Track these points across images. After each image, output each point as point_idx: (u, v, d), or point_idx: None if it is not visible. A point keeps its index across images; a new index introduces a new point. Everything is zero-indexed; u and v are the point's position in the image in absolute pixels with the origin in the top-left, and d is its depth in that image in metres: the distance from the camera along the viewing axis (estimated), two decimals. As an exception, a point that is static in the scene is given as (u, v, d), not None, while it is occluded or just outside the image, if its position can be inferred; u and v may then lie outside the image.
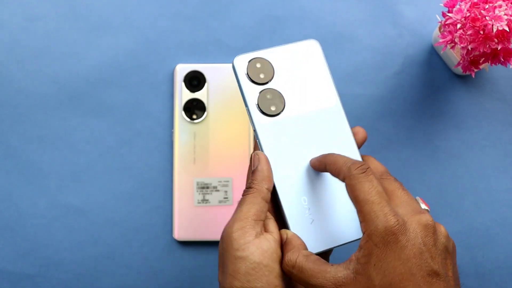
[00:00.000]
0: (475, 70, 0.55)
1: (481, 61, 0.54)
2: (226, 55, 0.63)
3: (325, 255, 0.48)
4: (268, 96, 0.49)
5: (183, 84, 0.62)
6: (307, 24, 0.64)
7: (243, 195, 0.46)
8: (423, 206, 0.45)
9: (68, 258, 0.61)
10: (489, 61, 0.54)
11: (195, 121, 0.62)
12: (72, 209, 0.62)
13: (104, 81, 0.63)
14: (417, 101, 0.64)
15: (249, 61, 0.49)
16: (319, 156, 0.47)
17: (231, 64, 0.63)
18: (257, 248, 0.42)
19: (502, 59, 0.53)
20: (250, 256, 0.42)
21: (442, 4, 0.55)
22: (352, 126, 0.50)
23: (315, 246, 0.46)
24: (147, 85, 0.63)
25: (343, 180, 0.42)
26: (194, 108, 0.62)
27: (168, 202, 0.62)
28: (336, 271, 0.40)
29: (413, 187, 0.63)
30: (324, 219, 0.47)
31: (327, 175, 0.48)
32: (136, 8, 0.63)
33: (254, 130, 0.48)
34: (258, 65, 0.49)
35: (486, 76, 0.64)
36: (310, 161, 0.47)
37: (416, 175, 0.63)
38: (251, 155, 0.47)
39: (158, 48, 0.63)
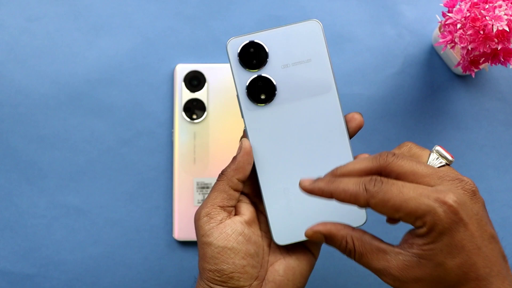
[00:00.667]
0: (475, 70, 0.55)
1: (481, 61, 0.54)
2: (226, 55, 0.63)
3: (316, 246, 0.49)
4: (259, 83, 0.47)
5: (183, 84, 0.62)
6: (307, 24, 0.64)
7: (217, 180, 0.47)
8: (448, 156, 0.44)
9: (68, 258, 0.61)
10: (489, 61, 0.54)
11: (195, 121, 0.62)
12: (72, 209, 0.62)
13: (104, 81, 0.63)
14: (417, 101, 0.64)
15: (243, 45, 0.47)
16: (321, 185, 0.43)
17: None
18: (220, 233, 0.45)
19: (502, 59, 0.53)
20: (214, 241, 0.44)
21: (442, 4, 0.55)
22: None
23: (291, 236, 0.47)
24: (147, 85, 0.63)
25: (366, 204, 0.40)
26: (194, 108, 0.62)
27: (168, 202, 0.62)
28: (397, 254, 0.40)
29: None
30: (303, 210, 0.47)
31: (311, 166, 0.47)
32: (136, 8, 0.63)
33: (242, 117, 0.47)
34: (252, 50, 0.47)
35: (486, 76, 0.64)
36: (303, 186, 0.43)
37: (416, 175, 0.63)
38: (240, 140, 0.48)
39: (158, 48, 0.63)
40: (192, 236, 0.61)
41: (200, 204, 0.61)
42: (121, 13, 0.63)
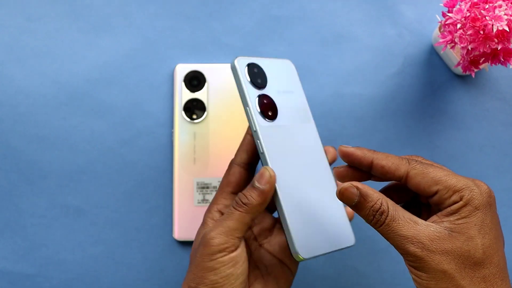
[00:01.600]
0: (475, 70, 0.55)
1: (481, 61, 0.54)
2: (226, 55, 0.63)
3: (293, 262, 0.49)
4: (265, 101, 0.49)
5: (183, 84, 0.62)
6: (307, 24, 0.64)
7: (237, 206, 0.46)
8: None
9: (68, 258, 0.61)
10: (489, 61, 0.54)
11: (195, 121, 0.62)
12: (72, 209, 0.62)
13: (104, 81, 0.63)
14: (417, 101, 0.64)
15: (248, 64, 0.49)
16: (360, 151, 0.45)
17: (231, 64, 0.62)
18: (231, 261, 0.45)
19: (502, 59, 0.53)
20: (222, 268, 0.45)
21: (442, 4, 0.55)
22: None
23: (307, 251, 0.46)
24: (147, 85, 0.63)
25: (405, 173, 0.43)
26: (194, 108, 0.62)
27: (168, 202, 0.62)
28: (428, 225, 0.41)
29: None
30: (318, 225, 0.48)
31: (314, 182, 0.48)
32: (136, 8, 0.63)
33: (255, 131, 0.48)
34: (256, 70, 0.49)
35: (486, 76, 0.64)
36: (344, 149, 0.46)
37: (416, 175, 0.63)
38: (264, 168, 0.46)
39: (158, 48, 0.63)
40: (192, 236, 0.61)
41: (200, 204, 0.61)
42: (121, 13, 0.63)
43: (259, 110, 0.48)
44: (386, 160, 0.44)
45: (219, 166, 0.61)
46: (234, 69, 0.49)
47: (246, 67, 0.49)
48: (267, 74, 0.50)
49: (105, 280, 0.61)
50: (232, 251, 0.45)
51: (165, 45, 0.63)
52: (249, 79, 0.49)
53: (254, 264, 0.48)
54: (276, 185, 0.46)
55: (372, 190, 0.43)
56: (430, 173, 0.42)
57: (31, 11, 0.63)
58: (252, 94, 0.49)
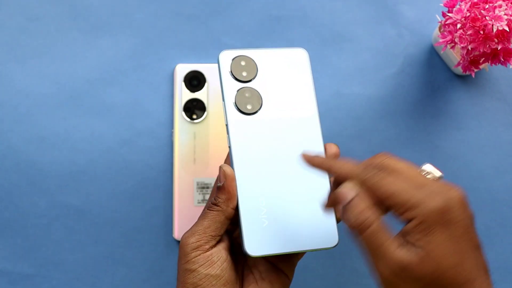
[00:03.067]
0: (475, 70, 0.55)
1: (481, 61, 0.54)
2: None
3: (290, 260, 0.49)
4: (247, 94, 0.49)
5: (183, 84, 0.62)
6: (307, 24, 0.64)
7: (208, 208, 0.47)
8: (438, 172, 0.45)
9: (68, 258, 0.61)
10: (489, 61, 0.54)
11: (195, 121, 0.62)
12: (72, 209, 0.62)
13: (104, 81, 0.63)
14: (417, 101, 0.64)
15: (234, 57, 0.49)
16: (320, 159, 0.45)
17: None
18: (206, 260, 0.45)
19: (502, 59, 0.53)
20: (198, 269, 0.45)
21: (442, 4, 0.55)
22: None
23: (262, 248, 0.46)
24: (147, 85, 0.63)
25: (359, 183, 0.41)
26: (194, 108, 0.62)
27: (168, 202, 0.62)
28: (401, 254, 0.39)
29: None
30: (279, 223, 0.47)
31: (291, 179, 0.48)
32: (136, 8, 0.63)
33: (226, 125, 0.48)
34: (243, 63, 0.49)
35: (486, 76, 0.64)
36: (305, 156, 0.45)
37: (416, 175, 0.63)
38: (219, 167, 0.48)
39: (158, 48, 0.63)
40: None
41: (200, 204, 0.61)
42: (121, 13, 0.63)
43: (235, 104, 0.48)
44: (341, 169, 0.42)
45: (219, 166, 0.61)
46: (218, 64, 0.49)
47: (232, 61, 0.49)
48: (260, 66, 0.49)
49: (105, 280, 0.61)
50: (207, 250, 0.45)
51: (165, 45, 0.63)
52: (231, 73, 0.49)
53: (249, 269, 0.48)
54: (237, 181, 0.47)
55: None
56: (383, 187, 0.40)
57: (31, 11, 0.63)
58: (231, 88, 0.49)
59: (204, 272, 0.45)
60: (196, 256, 0.45)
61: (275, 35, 0.64)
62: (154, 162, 0.62)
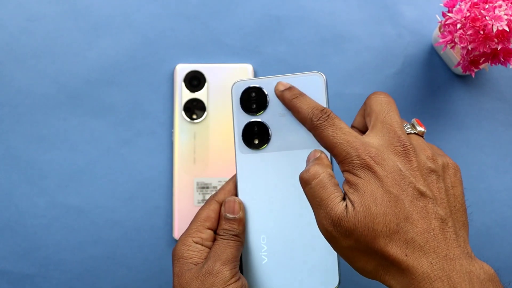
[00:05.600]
0: (475, 70, 0.55)
1: (481, 61, 0.54)
2: (226, 55, 0.63)
3: None
4: (255, 129, 0.48)
5: (183, 84, 0.62)
6: (307, 24, 0.64)
7: (227, 239, 0.47)
8: (419, 128, 0.46)
9: (68, 258, 0.61)
10: (489, 61, 0.54)
11: (195, 121, 0.62)
12: (72, 209, 0.62)
13: (104, 81, 0.63)
14: (417, 101, 0.64)
15: (245, 89, 0.48)
16: (287, 95, 0.47)
17: (231, 64, 0.62)
18: (242, 286, 0.46)
19: (502, 59, 0.53)
20: None
21: (442, 4, 0.55)
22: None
23: (261, 285, 0.47)
24: (147, 85, 0.63)
25: (309, 130, 0.45)
26: (194, 108, 0.62)
27: (168, 202, 0.62)
28: (339, 206, 0.41)
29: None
30: (279, 262, 0.47)
31: (294, 217, 0.48)
32: (136, 8, 0.63)
33: (235, 160, 0.48)
34: (253, 95, 0.48)
35: (486, 76, 0.64)
36: (277, 88, 0.48)
37: (416, 175, 0.63)
38: (232, 199, 0.48)
39: (158, 48, 0.63)
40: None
41: (200, 204, 0.61)
42: (121, 13, 0.63)
43: (242, 139, 0.48)
44: (297, 113, 0.46)
45: (219, 166, 0.61)
46: (231, 96, 0.49)
47: (241, 93, 0.48)
48: (271, 96, 0.48)
49: (105, 280, 0.61)
50: (238, 279, 0.46)
51: (165, 45, 0.63)
52: (241, 106, 0.48)
53: None
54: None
55: (322, 160, 0.45)
56: (323, 139, 0.43)
57: (31, 11, 0.63)
58: (240, 122, 0.48)
59: None
60: (232, 283, 0.45)
61: (275, 35, 0.64)
62: (154, 162, 0.62)
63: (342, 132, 0.42)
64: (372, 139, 0.43)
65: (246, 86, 0.48)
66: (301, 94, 0.47)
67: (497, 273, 0.44)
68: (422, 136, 0.46)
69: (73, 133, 0.62)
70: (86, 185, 0.62)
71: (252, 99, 0.48)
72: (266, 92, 0.48)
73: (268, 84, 0.48)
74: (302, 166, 0.45)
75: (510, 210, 0.63)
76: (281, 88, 0.48)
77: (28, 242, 0.61)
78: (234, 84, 0.48)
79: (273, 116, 0.48)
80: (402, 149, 0.41)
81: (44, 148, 0.62)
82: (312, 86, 0.48)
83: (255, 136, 0.48)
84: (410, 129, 0.46)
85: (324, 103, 0.48)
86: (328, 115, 0.44)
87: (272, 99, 0.48)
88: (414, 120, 0.47)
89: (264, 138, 0.48)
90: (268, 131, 0.48)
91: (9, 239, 0.61)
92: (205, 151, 0.62)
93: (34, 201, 0.62)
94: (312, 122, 0.44)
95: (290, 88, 0.47)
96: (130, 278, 0.61)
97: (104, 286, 0.61)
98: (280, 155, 0.48)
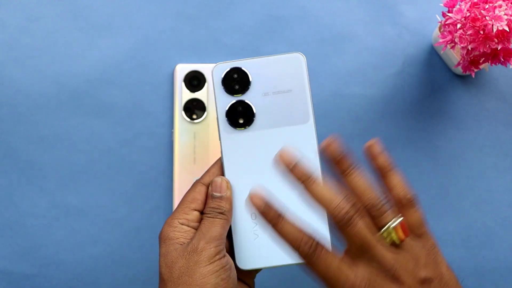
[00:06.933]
0: (475, 70, 0.55)
1: (481, 61, 0.54)
2: (226, 55, 0.63)
3: (250, 277, 0.50)
4: (239, 108, 0.48)
5: (183, 84, 0.62)
6: (307, 24, 0.64)
7: (213, 217, 0.47)
8: (396, 237, 0.44)
9: (68, 258, 0.61)
10: (489, 61, 0.54)
11: (195, 121, 0.62)
12: (72, 209, 0.62)
13: (104, 81, 0.63)
14: (417, 101, 0.64)
15: (227, 70, 0.49)
16: (269, 216, 0.44)
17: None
18: (223, 266, 0.46)
19: (502, 59, 0.53)
20: (220, 271, 0.45)
21: (442, 4, 0.55)
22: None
23: (252, 262, 0.47)
24: (147, 85, 0.63)
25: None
26: (194, 108, 0.62)
27: (168, 202, 0.62)
28: None
29: (413, 187, 0.62)
30: (268, 237, 0.47)
31: (282, 194, 0.47)
32: (136, 8, 0.63)
33: (219, 140, 0.49)
34: (235, 76, 0.49)
35: (486, 76, 0.64)
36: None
37: (416, 175, 0.63)
38: (218, 178, 0.48)
39: (158, 48, 0.63)
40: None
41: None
42: (121, 13, 0.63)
43: (227, 119, 0.48)
44: (285, 240, 0.43)
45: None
46: (212, 77, 0.49)
47: (223, 74, 0.49)
48: (253, 77, 0.49)
49: (105, 280, 0.61)
50: (223, 256, 0.46)
51: (165, 45, 0.63)
52: (223, 87, 0.49)
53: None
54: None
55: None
56: (315, 271, 0.43)
57: (31, 11, 0.63)
58: (224, 102, 0.49)
59: (224, 276, 0.45)
60: (217, 260, 0.45)
61: (275, 35, 0.64)
62: (154, 162, 0.62)
63: (335, 265, 0.42)
64: (361, 263, 0.43)
65: (228, 68, 0.49)
66: (281, 218, 0.44)
67: (497, 273, 0.44)
68: (402, 241, 0.44)
69: (73, 133, 0.62)
70: (86, 185, 0.62)
71: (235, 80, 0.49)
72: (248, 73, 0.49)
73: (249, 65, 0.49)
74: (287, 141, 0.47)
75: (510, 210, 0.63)
76: (260, 203, 0.44)
77: (28, 242, 0.61)
78: (215, 66, 0.49)
79: (256, 95, 0.49)
80: (376, 273, 0.42)
81: (44, 148, 0.62)
82: (293, 66, 0.49)
83: (240, 116, 0.48)
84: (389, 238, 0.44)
85: (305, 83, 0.48)
86: (316, 246, 0.43)
87: (255, 79, 0.49)
88: (394, 226, 0.44)
89: (249, 117, 0.48)
90: (252, 110, 0.49)
91: (9, 239, 0.61)
92: (205, 151, 0.62)
93: (34, 201, 0.62)
94: (302, 252, 0.43)
95: (269, 206, 0.44)
96: (130, 278, 0.61)
97: (104, 286, 0.61)
98: (265, 133, 0.49)
